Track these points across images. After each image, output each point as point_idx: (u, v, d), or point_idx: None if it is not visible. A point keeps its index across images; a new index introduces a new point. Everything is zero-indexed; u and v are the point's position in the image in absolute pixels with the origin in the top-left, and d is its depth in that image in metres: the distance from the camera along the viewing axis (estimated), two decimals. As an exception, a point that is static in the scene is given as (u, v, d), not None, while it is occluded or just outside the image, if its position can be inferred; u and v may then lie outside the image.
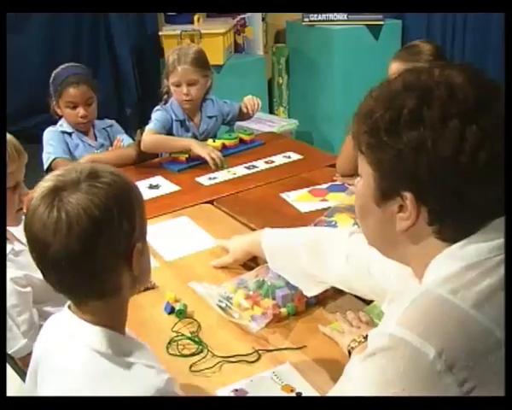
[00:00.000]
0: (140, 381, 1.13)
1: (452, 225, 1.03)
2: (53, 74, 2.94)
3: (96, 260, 1.10)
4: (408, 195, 1.02)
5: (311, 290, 1.70)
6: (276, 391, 1.44)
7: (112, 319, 1.18)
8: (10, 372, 1.61)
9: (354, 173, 2.51)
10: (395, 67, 2.33)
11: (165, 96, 3.08)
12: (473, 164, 0.97)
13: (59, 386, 1.16)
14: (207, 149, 2.86)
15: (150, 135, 2.94)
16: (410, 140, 0.98)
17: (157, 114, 3.01)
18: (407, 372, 0.92)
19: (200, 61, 3.01)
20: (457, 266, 1.00)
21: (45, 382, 1.22)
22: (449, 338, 0.92)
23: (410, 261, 1.13)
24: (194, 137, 3.06)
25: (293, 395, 1.42)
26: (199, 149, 2.86)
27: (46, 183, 1.13)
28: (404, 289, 1.18)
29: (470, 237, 1.02)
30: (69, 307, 1.20)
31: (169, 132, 3.02)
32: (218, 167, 2.81)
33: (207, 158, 2.82)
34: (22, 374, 1.30)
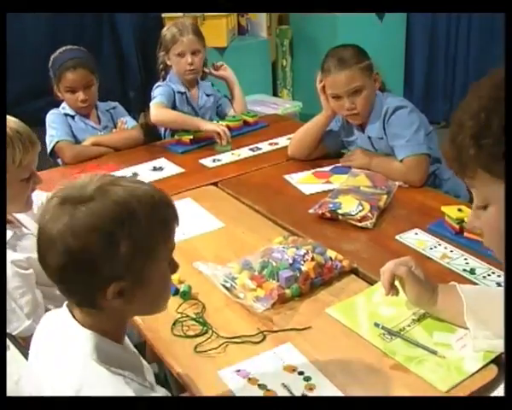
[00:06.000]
0: (115, 391, 1.11)
1: None
2: (51, 58, 2.92)
3: (73, 278, 1.12)
4: None
5: None
6: (278, 371, 1.44)
7: (100, 327, 1.17)
8: (15, 352, 1.63)
9: (305, 158, 2.62)
10: (331, 80, 2.43)
11: (163, 73, 3.13)
12: None
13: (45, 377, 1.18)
14: (217, 124, 2.93)
15: (160, 107, 2.96)
16: None
17: (159, 90, 3.05)
18: None
19: (200, 32, 3.11)
20: None
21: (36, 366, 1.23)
22: None
23: None
24: (194, 111, 3.11)
25: (296, 374, 1.43)
26: (209, 125, 2.93)
27: (59, 192, 1.14)
28: None
29: None
30: (67, 305, 1.22)
31: (173, 107, 3.05)
32: (224, 145, 2.85)
33: (219, 130, 2.85)
34: (27, 354, 1.30)
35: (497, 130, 0.95)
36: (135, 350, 1.34)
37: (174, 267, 1.25)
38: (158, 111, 2.96)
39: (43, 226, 1.12)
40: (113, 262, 1.10)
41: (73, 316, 1.18)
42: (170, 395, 1.31)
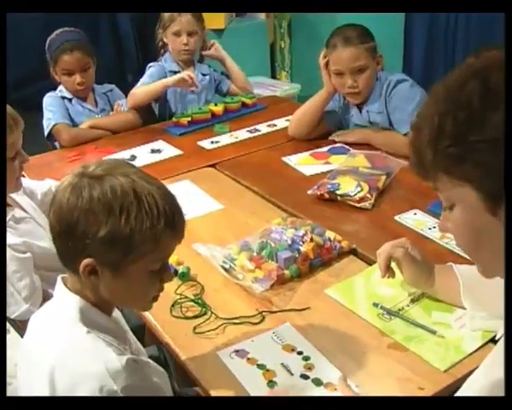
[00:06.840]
0: (94, 354, 1.16)
1: None
2: (48, 41, 2.90)
3: (57, 240, 1.19)
4: None
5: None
6: (277, 351, 1.44)
7: (86, 295, 1.22)
8: (15, 336, 1.63)
9: (305, 137, 2.62)
10: (336, 55, 2.46)
11: (162, 51, 3.13)
12: None
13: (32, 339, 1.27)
14: (181, 73, 2.94)
15: (131, 95, 2.98)
16: (499, 120, 0.89)
17: (150, 71, 3.06)
18: None
19: (199, 15, 3.09)
20: None
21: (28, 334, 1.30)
22: None
23: None
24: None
25: (295, 354, 1.43)
26: (173, 77, 2.94)
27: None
28: None
29: None
30: (62, 277, 1.26)
31: None
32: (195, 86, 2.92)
33: (183, 75, 2.87)
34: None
35: (452, 132, 0.93)
36: (124, 325, 1.36)
37: (164, 277, 1.26)
38: (128, 99, 2.98)
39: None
40: (91, 241, 1.13)
41: (65, 285, 1.24)
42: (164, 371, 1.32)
